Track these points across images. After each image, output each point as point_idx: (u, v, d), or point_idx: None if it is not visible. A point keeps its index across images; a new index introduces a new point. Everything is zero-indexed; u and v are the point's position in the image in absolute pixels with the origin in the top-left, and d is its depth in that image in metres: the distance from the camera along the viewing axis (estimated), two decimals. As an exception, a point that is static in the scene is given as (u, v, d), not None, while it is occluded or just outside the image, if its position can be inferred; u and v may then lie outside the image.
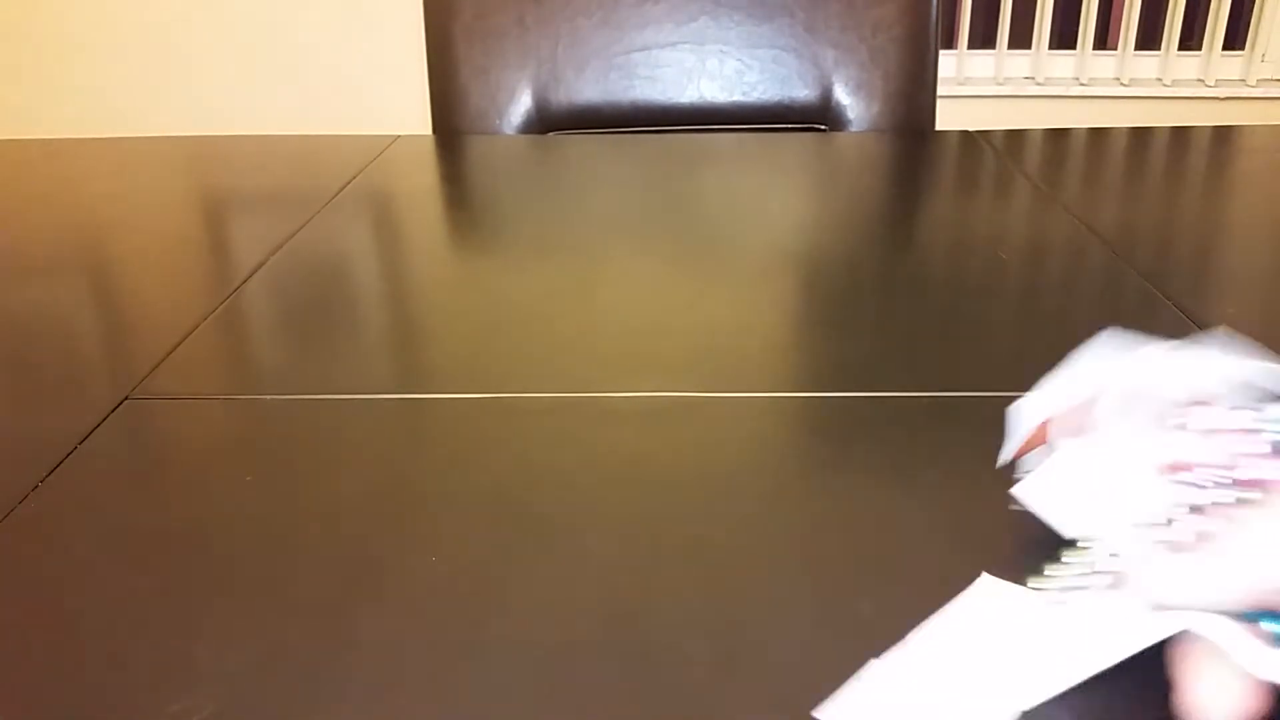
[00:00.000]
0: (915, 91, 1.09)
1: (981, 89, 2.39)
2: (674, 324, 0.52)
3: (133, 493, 0.38)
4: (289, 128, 2.37)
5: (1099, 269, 0.60)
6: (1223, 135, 0.92)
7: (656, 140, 0.92)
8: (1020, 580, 0.30)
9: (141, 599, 0.32)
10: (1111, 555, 0.28)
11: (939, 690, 0.27)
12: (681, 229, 0.67)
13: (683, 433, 0.41)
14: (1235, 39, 2.38)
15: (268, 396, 0.45)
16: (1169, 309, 0.54)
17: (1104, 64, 2.42)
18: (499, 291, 0.57)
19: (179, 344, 0.51)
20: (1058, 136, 0.92)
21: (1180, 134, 0.92)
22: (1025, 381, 0.37)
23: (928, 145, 0.91)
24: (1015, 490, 0.34)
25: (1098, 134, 0.93)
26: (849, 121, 1.09)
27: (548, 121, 1.09)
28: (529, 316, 0.54)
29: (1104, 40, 2.42)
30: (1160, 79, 2.40)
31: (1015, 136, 0.92)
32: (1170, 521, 0.28)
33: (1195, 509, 0.28)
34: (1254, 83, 2.38)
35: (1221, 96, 2.38)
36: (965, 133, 0.93)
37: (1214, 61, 2.36)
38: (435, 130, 1.11)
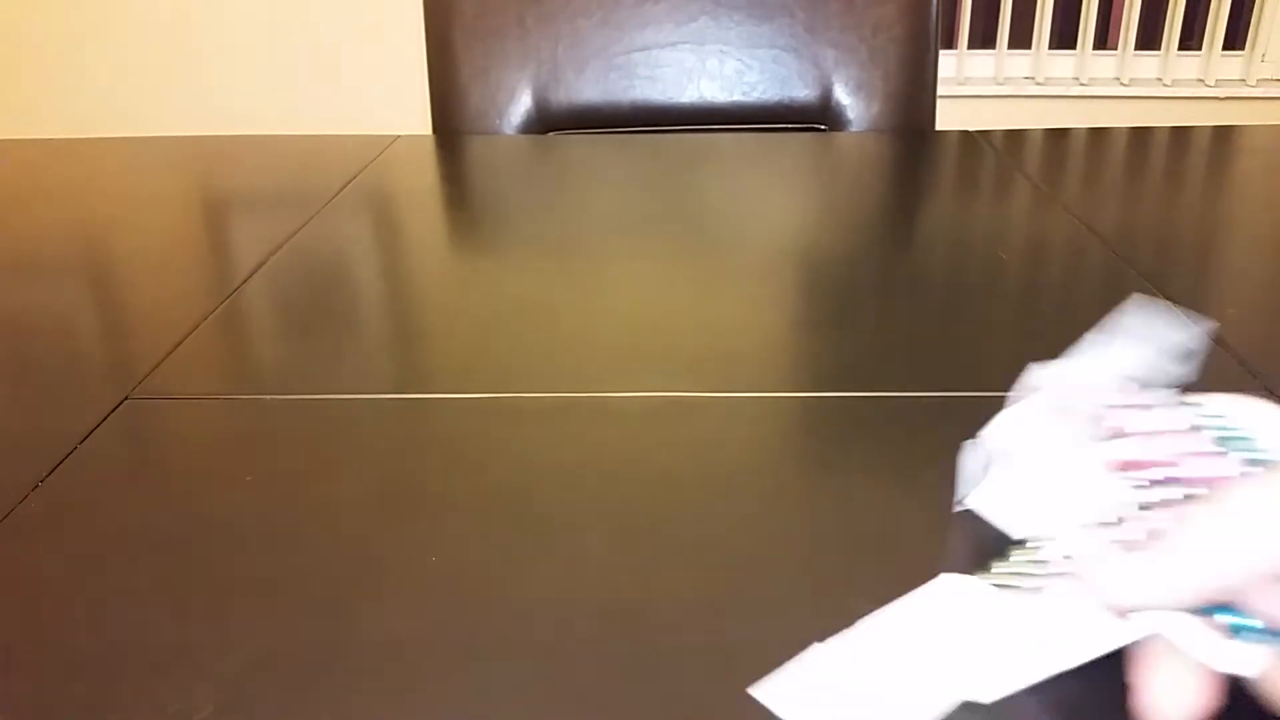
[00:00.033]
0: (915, 91, 1.09)
1: (981, 89, 2.39)
2: (674, 324, 0.52)
3: (133, 493, 0.38)
4: (289, 128, 2.37)
5: (1099, 269, 0.60)
6: (1223, 135, 0.92)
7: (657, 140, 0.92)
8: (980, 577, 0.30)
9: (141, 599, 0.32)
10: (1065, 556, 0.29)
11: (879, 675, 0.27)
12: (682, 229, 0.67)
13: (683, 433, 0.41)
14: (1235, 39, 2.39)
15: (268, 396, 0.45)
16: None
17: (1104, 64, 2.42)
18: (499, 291, 0.57)
19: (179, 344, 0.51)
20: (1058, 136, 0.92)
21: (1180, 134, 0.92)
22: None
23: (928, 145, 0.91)
24: (967, 499, 0.34)
25: (1098, 134, 0.93)
26: (849, 121, 1.09)
27: (548, 121, 1.09)
28: (529, 316, 0.54)
29: (1104, 40, 2.42)
30: (1160, 79, 2.40)
31: (1015, 136, 0.92)
32: (1121, 521, 0.29)
33: (1145, 507, 0.29)
34: (1254, 83, 2.38)
35: (1221, 96, 2.38)
36: (965, 133, 0.93)
37: (1214, 61, 2.36)
38: (435, 130, 1.11)
